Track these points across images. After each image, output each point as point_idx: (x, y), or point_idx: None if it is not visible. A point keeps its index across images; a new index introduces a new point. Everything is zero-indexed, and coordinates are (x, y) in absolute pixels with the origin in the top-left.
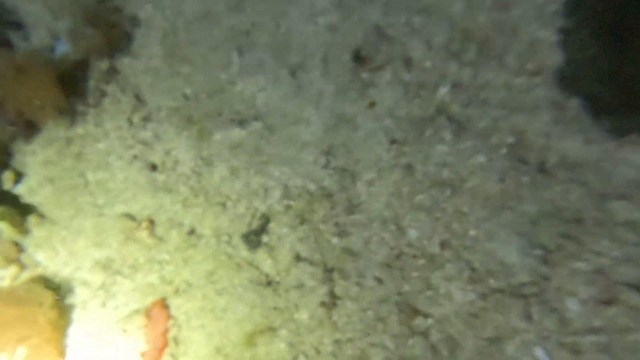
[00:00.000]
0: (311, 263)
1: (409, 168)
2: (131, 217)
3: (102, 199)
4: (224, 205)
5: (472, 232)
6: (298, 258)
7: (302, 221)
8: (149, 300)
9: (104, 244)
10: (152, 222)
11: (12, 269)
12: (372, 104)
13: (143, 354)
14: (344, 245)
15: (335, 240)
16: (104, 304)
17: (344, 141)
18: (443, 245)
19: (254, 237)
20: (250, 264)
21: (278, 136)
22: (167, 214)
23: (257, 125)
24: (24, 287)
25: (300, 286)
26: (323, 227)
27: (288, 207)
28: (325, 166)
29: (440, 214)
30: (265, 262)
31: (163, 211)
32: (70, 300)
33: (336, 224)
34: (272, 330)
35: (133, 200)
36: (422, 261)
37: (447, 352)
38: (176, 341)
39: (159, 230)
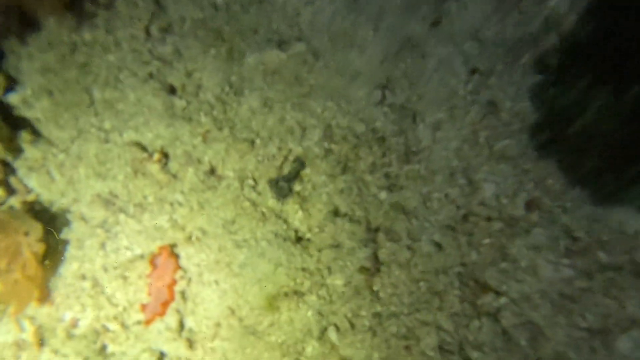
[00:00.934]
0: (351, 220)
1: (492, 105)
2: (141, 146)
3: (109, 122)
4: (252, 142)
5: (576, 189)
6: (336, 213)
7: (344, 169)
8: (156, 245)
9: (108, 176)
10: (165, 155)
11: None
12: (436, 22)
13: (143, 307)
14: (395, 201)
15: (383, 194)
16: (102, 245)
17: (407, 71)
18: (530, 205)
19: (284, 184)
20: (278, 215)
21: (324, 63)
22: (184, 148)
23: (299, 47)
24: (9, 213)
25: (336, 246)
26: (369, 178)
27: (328, 151)
28: (380, 103)
29: (531, 164)
30: (295, 214)
31: (179, 144)
32: (64, 236)
33: (386, 175)
34: (298, 294)
35: (145, 127)
36: (498, 225)
37: (525, 342)
38: (184, 296)
39: (173, 166)
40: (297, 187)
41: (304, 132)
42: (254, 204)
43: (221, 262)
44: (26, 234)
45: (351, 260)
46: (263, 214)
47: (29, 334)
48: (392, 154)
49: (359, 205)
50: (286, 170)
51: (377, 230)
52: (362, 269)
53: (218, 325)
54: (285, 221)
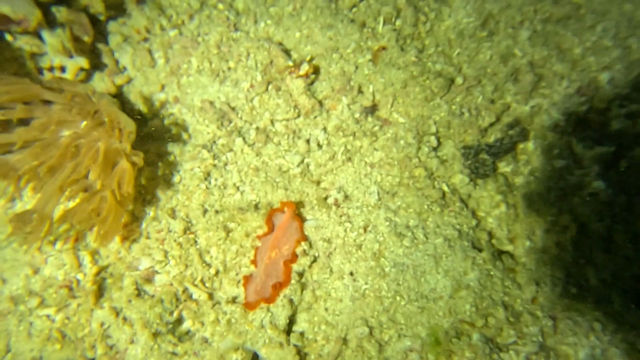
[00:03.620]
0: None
1: None
2: (284, 49)
3: (244, 2)
4: (449, 81)
5: None
6: (558, 223)
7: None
8: (277, 197)
9: (229, 78)
10: (315, 70)
11: (76, 62)
12: None
13: (247, 280)
14: None
15: None
16: (205, 175)
17: None
18: None
19: (486, 157)
20: (464, 202)
21: None
22: (343, 66)
23: None
24: (103, 98)
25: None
26: None
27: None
28: None
29: None
30: (493, 209)
31: (338, 58)
32: (155, 149)
33: None
34: (488, 343)
35: (294, 21)
36: None
37: None
38: (302, 281)
39: (322, 88)
40: (504, 166)
41: (539, 83)
42: (430, 175)
43: (365, 248)
44: (120, 136)
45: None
46: (443, 194)
47: (86, 276)
48: None
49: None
50: (494, 136)
51: None
52: None
53: (344, 342)
54: (475, 215)
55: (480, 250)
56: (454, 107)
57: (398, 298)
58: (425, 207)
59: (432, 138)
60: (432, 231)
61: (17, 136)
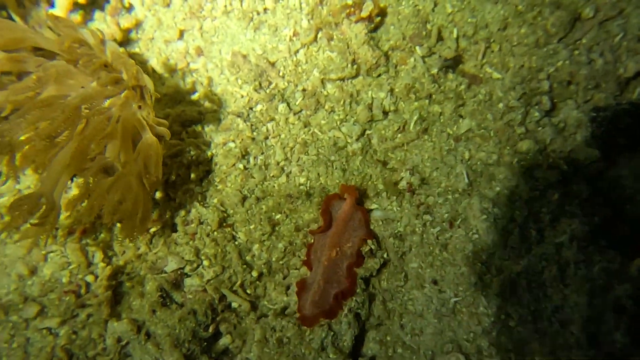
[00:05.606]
0: None
1: None
2: None
3: None
4: None
5: None
6: None
7: None
8: (333, 180)
9: (266, 23)
10: (380, 12)
11: None
12: None
13: (301, 287)
14: None
15: None
16: (243, 154)
17: None
18: None
19: None
20: None
21: None
22: (417, 4)
23: None
24: (91, 36)
25: None
26: None
27: None
28: None
29: None
30: None
31: None
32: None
33: None
34: None
35: None
36: None
37: None
38: (369, 289)
39: (389, 35)
40: None
41: None
42: (543, 150)
43: (453, 248)
44: (141, 100)
45: None
46: (562, 175)
47: (98, 278)
48: None
49: None
50: None
51: None
52: None
53: None
54: (610, 203)
55: (624, 258)
56: (577, 52)
57: (503, 317)
58: (537, 194)
59: (545, 98)
60: (549, 226)
61: (4, 97)
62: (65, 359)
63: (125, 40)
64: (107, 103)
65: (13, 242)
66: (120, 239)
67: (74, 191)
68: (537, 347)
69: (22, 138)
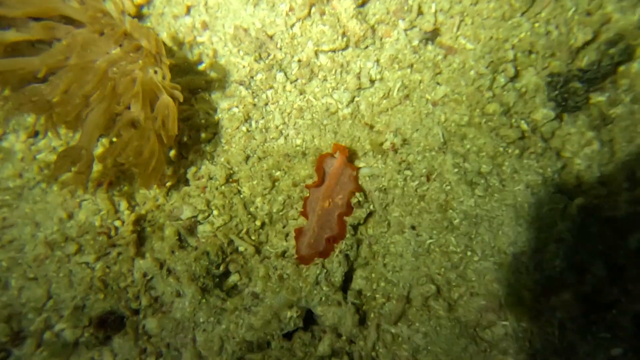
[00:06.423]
0: None
1: None
2: None
3: None
4: None
5: None
6: None
7: None
8: (327, 141)
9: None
10: None
11: None
12: None
13: (298, 233)
14: None
15: None
16: (245, 119)
17: None
18: None
19: (577, 86)
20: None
21: None
22: None
23: None
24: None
25: None
26: None
27: None
28: None
29: None
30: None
31: None
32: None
33: None
34: None
35: None
36: None
37: None
38: (357, 235)
39: (376, 9)
40: (597, 95)
41: None
42: (507, 111)
43: (429, 199)
44: (158, 65)
45: None
46: (522, 134)
47: (125, 223)
48: None
49: None
50: (589, 58)
51: None
52: None
53: (408, 300)
54: (561, 156)
55: (570, 197)
56: (537, 24)
57: (469, 253)
58: (501, 149)
59: (509, 66)
60: (510, 177)
61: (40, 61)
62: (102, 288)
63: (138, 15)
64: (128, 67)
65: (54, 190)
66: (137, 186)
67: (99, 149)
68: (495, 275)
69: (56, 99)
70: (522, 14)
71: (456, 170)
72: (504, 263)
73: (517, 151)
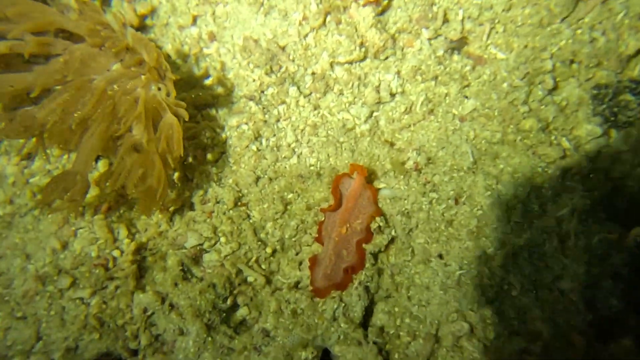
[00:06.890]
0: None
1: None
2: None
3: None
4: None
5: None
6: None
7: None
8: (342, 161)
9: (276, 9)
10: None
11: None
12: None
13: (313, 262)
14: None
15: None
16: (256, 136)
17: None
18: None
19: None
20: None
21: None
22: None
23: None
24: (114, 19)
25: None
26: None
27: None
28: None
29: None
30: None
31: None
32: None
33: None
34: None
35: None
36: None
37: None
38: (378, 265)
39: (396, 17)
40: None
41: None
42: (545, 127)
43: (458, 224)
44: (162, 82)
45: None
46: (564, 152)
47: (124, 253)
48: None
49: None
50: None
51: None
52: None
53: (436, 339)
54: (609, 178)
55: (623, 229)
56: (579, 31)
57: (506, 287)
58: (539, 170)
59: (548, 77)
60: (552, 201)
61: (34, 78)
62: (98, 326)
63: (141, 26)
64: (129, 84)
65: (46, 218)
66: (137, 214)
67: (99, 170)
68: (538, 313)
69: (54, 118)
70: (563, 19)
71: (488, 193)
72: (548, 299)
73: (557, 172)
